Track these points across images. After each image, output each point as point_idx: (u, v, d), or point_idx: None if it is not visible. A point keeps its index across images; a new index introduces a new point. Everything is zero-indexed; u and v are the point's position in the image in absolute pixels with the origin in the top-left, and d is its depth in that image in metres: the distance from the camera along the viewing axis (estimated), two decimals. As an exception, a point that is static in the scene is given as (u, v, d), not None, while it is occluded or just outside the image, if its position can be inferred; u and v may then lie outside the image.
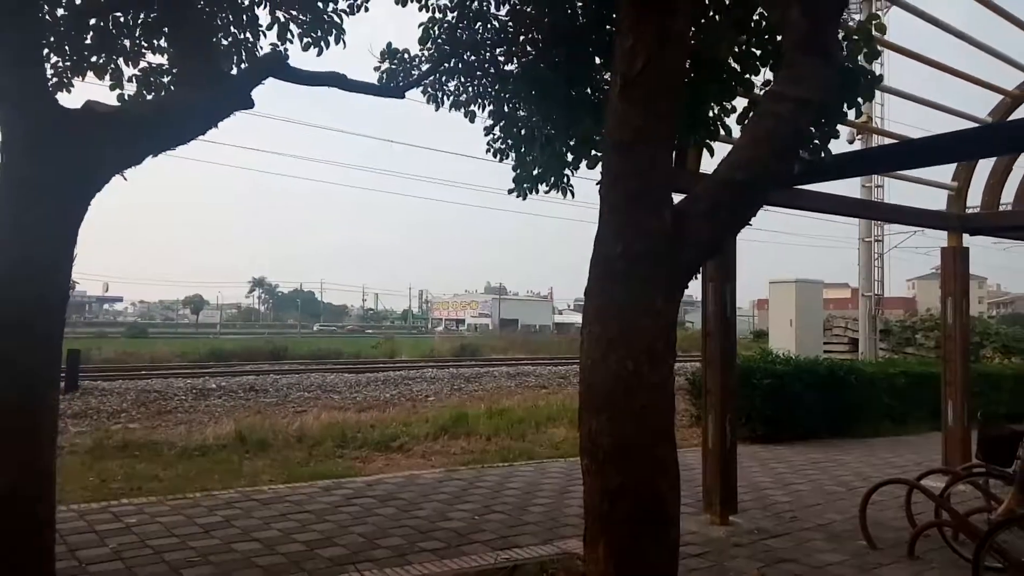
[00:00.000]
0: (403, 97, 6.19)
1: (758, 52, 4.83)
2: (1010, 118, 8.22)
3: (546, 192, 6.09)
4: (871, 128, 14.49)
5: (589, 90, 5.61)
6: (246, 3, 5.65)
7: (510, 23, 5.90)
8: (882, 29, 4.98)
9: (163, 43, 5.61)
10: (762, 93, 4.76)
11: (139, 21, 5.52)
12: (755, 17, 4.79)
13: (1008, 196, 9.13)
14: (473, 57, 6.11)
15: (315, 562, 5.22)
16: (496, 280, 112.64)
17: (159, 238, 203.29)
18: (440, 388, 18.39)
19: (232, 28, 5.66)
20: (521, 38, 5.89)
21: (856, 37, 4.79)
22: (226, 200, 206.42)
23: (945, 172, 9.04)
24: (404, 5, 5.94)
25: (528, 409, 13.34)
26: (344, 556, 5.35)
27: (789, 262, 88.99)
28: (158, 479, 8.02)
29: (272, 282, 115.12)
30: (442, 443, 10.58)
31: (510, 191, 6.16)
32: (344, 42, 5.83)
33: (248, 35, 5.76)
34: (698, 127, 5.24)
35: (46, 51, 5.03)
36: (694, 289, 6.05)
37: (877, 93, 17.88)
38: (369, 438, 10.38)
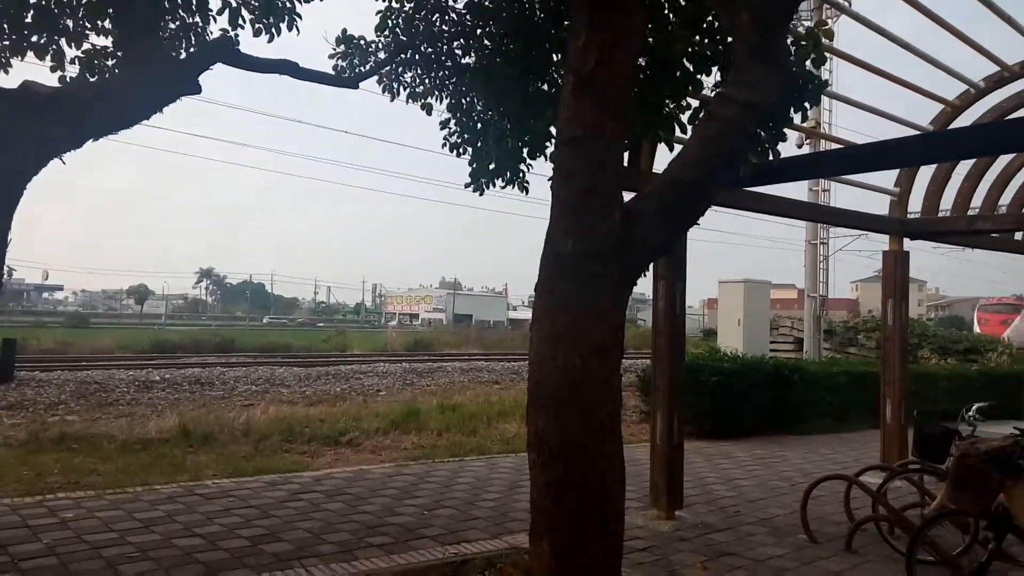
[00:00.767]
0: (357, 87, 6.12)
1: (710, 53, 4.90)
2: (950, 127, 8.50)
3: (503, 188, 6.09)
4: (819, 133, 14.86)
5: (545, 85, 5.63)
6: (196, -14, 5.52)
7: (468, 16, 5.88)
8: (830, 36, 5.10)
9: (108, 24, 5.43)
10: (712, 95, 4.83)
11: (83, 1, 5.34)
12: (708, 18, 4.86)
13: (947, 203, 9.47)
14: (430, 49, 6.07)
15: (259, 558, 5.14)
16: (451, 275, 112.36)
17: (103, 225, 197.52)
18: (392, 383, 18.25)
19: (180, 11, 5.52)
20: (479, 31, 5.88)
21: (804, 43, 4.90)
22: (174, 188, 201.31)
23: (888, 178, 9.33)
24: (361, -7, 5.86)
25: (480, 404, 13.33)
26: (289, 552, 5.28)
27: (739, 263, 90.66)
28: (97, 473, 7.79)
29: (220, 273, 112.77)
30: (392, 438, 10.51)
31: (466, 186, 6.15)
32: (298, 28, 5.73)
33: (198, 19, 5.62)
34: (651, 125, 5.29)
35: (-17, 28, 4.84)
36: (647, 287, 6.15)
37: (825, 100, 18.30)
38: (318, 433, 10.25)
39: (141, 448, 9.15)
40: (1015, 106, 8.30)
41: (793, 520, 6.33)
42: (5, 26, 5.13)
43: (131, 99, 4.30)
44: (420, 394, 15.87)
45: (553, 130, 5.30)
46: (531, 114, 5.51)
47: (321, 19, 6.12)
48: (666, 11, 4.88)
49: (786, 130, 5.34)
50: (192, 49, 5.57)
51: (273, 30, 5.62)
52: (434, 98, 6.27)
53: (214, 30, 5.65)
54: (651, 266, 6.05)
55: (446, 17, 5.97)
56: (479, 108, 6.08)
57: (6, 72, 5.39)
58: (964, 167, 9.21)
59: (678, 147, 3.71)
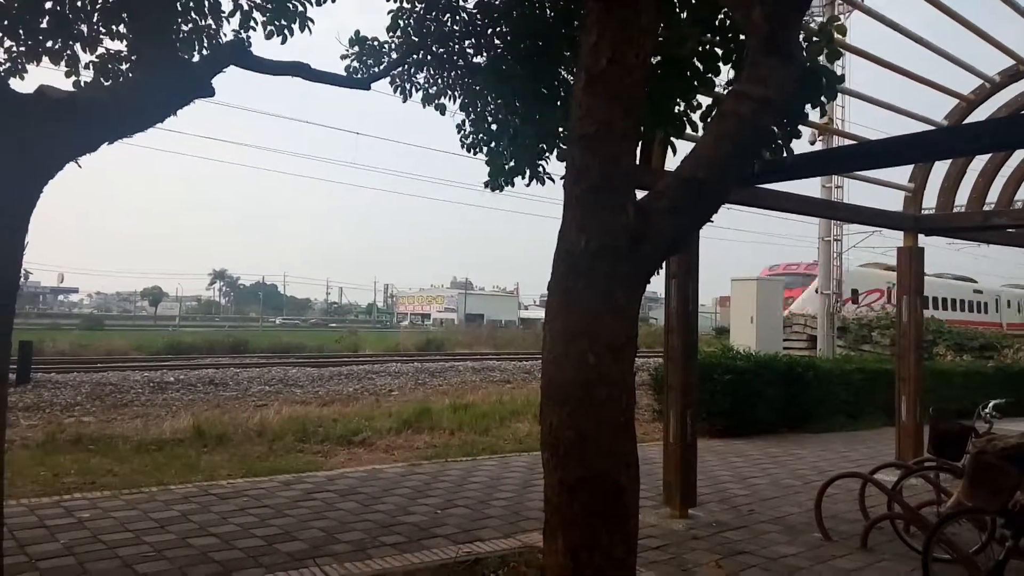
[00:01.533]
0: (369, 88, 6.13)
1: (721, 51, 4.88)
2: (965, 121, 8.43)
3: (526, 185, 6.09)
4: (832, 130, 14.75)
5: (557, 83, 5.62)
6: (208, -11, 5.54)
7: (478, 16, 5.89)
8: (842, 31, 5.06)
9: (122, 29, 5.47)
10: (725, 92, 4.81)
11: (97, 5, 5.38)
12: (720, 16, 4.84)
13: (962, 198, 9.39)
14: (442, 49, 6.08)
15: (274, 557, 5.16)
16: (462, 275, 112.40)
17: (118, 228, 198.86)
18: (404, 382, 18.29)
19: (193, 14, 5.55)
20: (489, 31, 5.88)
21: (817, 39, 4.87)
22: (189, 191, 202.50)
23: (902, 174, 9.26)
24: (372, -6, 5.88)
25: (492, 404, 13.35)
26: (304, 551, 5.31)
27: (752, 260, 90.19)
28: (113, 473, 7.86)
29: (233, 274, 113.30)
30: (405, 437, 10.54)
31: (485, 184, 6.15)
32: (310, 30, 5.75)
33: (210, 21, 5.65)
34: (663, 123, 5.28)
35: (-1, 34, 4.88)
36: (659, 285, 6.13)
37: (839, 95, 18.16)
38: (331, 432, 10.29)
39: (156, 449, 9.23)
40: (1031, 100, 8.23)
41: (807, 518, 6.30)
42: (20, 32, 5.18)
43: (145, 103, 4.31)
44: (432, 394, 15.91)
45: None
46: (543, 112, 5.51)
47: (332, 20, 6.13)
48: (678, 9, 4.86)
49: (799, 127, 5.31)
50: (205, 52, 5.60)
51: (285, 31, 5.65)
52: (447, 99, 6.28)
53: (227, 32, 5.68)
54: (664, 264, 6.05)
55: (456, 17, 5.97)
56: (492, 108, 6.09)
57: (21, 78, 5.43)
58: (979, 162, 9.13)
59: (689, 145, 3.69)
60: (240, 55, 4.94)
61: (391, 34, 6.06)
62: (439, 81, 6.25)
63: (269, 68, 5.25)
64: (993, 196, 9.41)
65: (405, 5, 5.94)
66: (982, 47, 7.44)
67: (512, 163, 5.95)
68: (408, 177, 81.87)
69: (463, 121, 6.18)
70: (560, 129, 5.53)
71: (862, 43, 7.30)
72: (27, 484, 7.17)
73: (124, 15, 5.23)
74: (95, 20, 5.41)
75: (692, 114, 5.31)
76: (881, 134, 7.08)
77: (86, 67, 5.54)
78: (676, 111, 5.26)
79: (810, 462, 9.47)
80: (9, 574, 4.59)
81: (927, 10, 6.68)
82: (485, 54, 5.97)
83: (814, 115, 5.37)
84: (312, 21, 5.77)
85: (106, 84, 5.55)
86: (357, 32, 6.18)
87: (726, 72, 4.92)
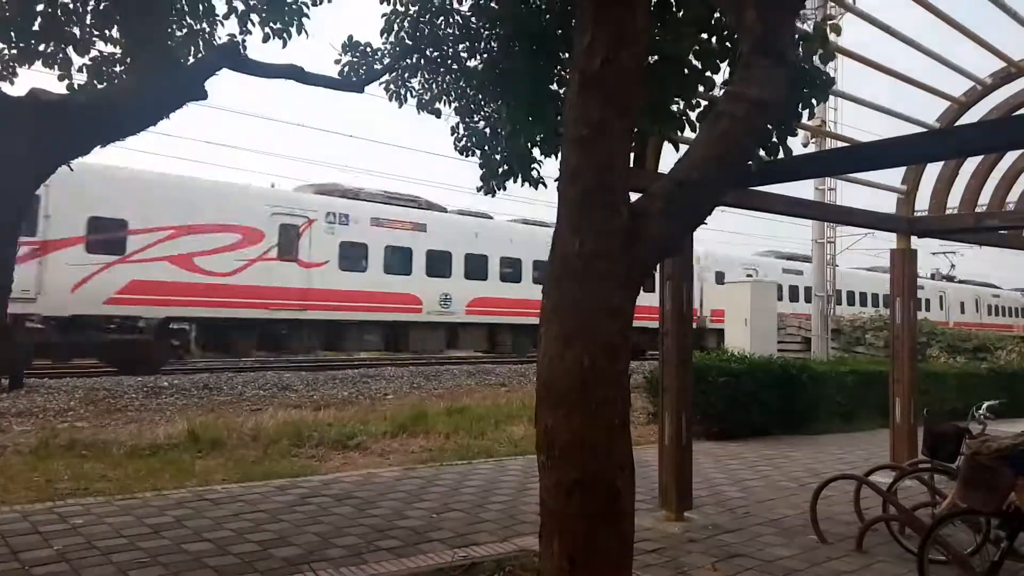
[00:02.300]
0: (362, 91, 6.14)
1: (717, 50, 4.89)
2: (957, 123, 8.47)
3: (521, 187, 6.09)
4: (825, 132, 14.81)
5: (552, 85, 5.63)
6: (201, -9, 5.54)
7: (472, 18, 5.89)
8: (837, 30, 5.08)
9: (115, 32, 5.46)
10: (720, 93, 4.82)
11: (90, 8, 5.37)
12: (716, 15, 4.85)
13: (954, 200, 9.42)
14: (436, 52, 6.09)
15: (269, 562, 5.14)
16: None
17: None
18: (399, 386, 18.24)
19: (187, 18, 5.54)
20: (484, 33, 5.88)
21: (810, 39, 4.89)
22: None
23: (895, 176, 9.29)
24: (366, -3, 5.89)
25: (488, 407, 13.32)
26: (299, 556, 5.28)
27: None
28: (106, 479, 7.81)
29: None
30: (400, 441, 10.51)
31: (478, 188, 6.15)
32: (307, 32, 5.74)
33: (204, 25, 5.64)
34: (661, 121, 5.27)
35: (-9, 37, 4.87)
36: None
37: (831, 98, 18.24)
38: (326, 436, 10.25)
39: (150, 453, 9.17)
40: (1022, 102, 8.27)
41: (803, 520, 6.30)
42: (12, 35, 5.16)
43: (138, 106, 4.32)
44: (427, 397, 15.87)
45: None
46: (538, 114, 5.51)
47: (327, 24, 6.13)
48: (673, 9, 4.87)
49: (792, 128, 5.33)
50: (199, 55, 5.59)
51: (284, 34, 5.64)
52: (442, 103, 6.28)
53: (221, 35, 5.67)
54: (658, 266, 6.06)
55: (450, 20, 5.98)
56: (487, 111, 6.09)
57: (11, 83, 5.42)
58: (972, 164, 9.16)
59: (685, 147, 3.70)
60: (233, 58, 4.95)
61: (385, 37, 6.06)
62: (433, 86, 6.26)
63: (263, 71, 5.26)
64: (986, 197, 9.45)
65: (399, 8, 5.94)
66: (974, 50, 7.48)
67: (506, 166, 5.95)
68: (405, 180, 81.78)
69: (457, 124, 6.18)
70: (557, 131, 5.54)
71: (854, 46, 7.34)
72: (20, 490, 7.12)
73: (117, 18, 5.22)
74: (88, 23, 5.40)
75: (690, 112, 5.32)
76: (874, 136, 7.11)
77: (79, 70, 5.53)
78: (674, 109, 5.27)
79: (805, 464, 9.48)
80: (1, 580, 4.56)
81: (919, 13, 6.71)
82: (479, 57, 5.97)
83: (805, 117, 5.39)
84: (307, 17, 5.74)
85: (99, 87, 5.54)
86: (350, 37, 6.18)
87: (725, 71, 4.93)
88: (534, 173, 5.99)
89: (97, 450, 9.21)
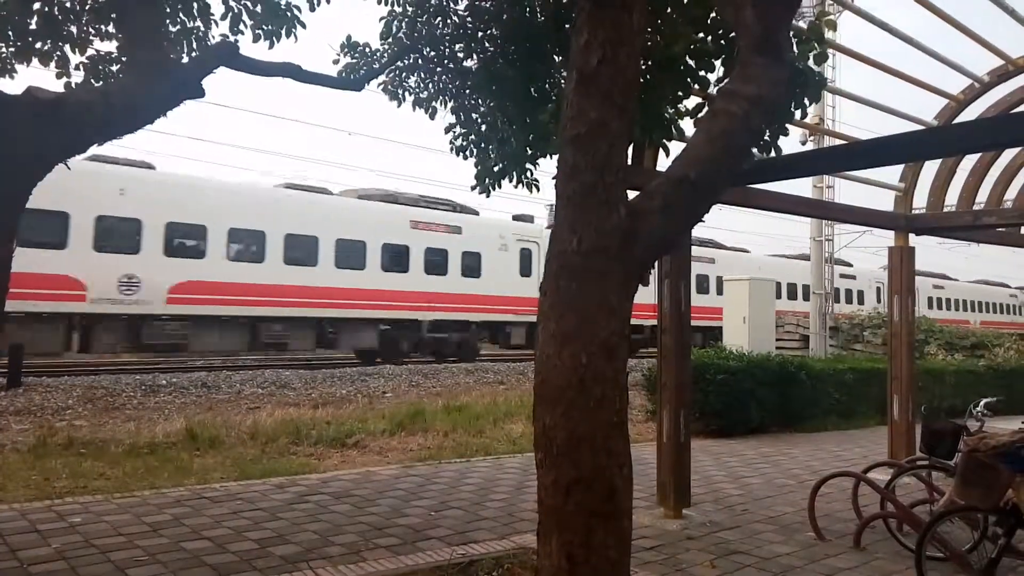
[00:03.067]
0: (361, 90, 6.13)
1: (711, 49, 4.89)
2: (955, 121, 8.47)
3: (515, 187, 6.10)
4: (823, 130, 14.82)
5: (548, 85, 5.63)
6: (197, -10, 5.53)
7: (469, 19, 5.89)
8: (832, 26, 5.08)
9: (112, 29, 5.46)
10: (716, 91, 4.82)
11: (86, 6, 5.36)
12: (711, 15, 4.85)
13: (952, 198, 9.44)
14: (432, 52, 6.08)
15: (267, 560, 5.14)
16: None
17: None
18: (397, 384, 18.23)
19: (182, 15, 5.54)
20: (480, 34, 5.88)
21: (806, 37, 4.89)
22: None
23: (893, 174, 9.30)
24: (364, -2, 5.88)
25: (486, 405, 13.32)
26: (297, 554, 5.28)
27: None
28: (105, 477, 7.81)
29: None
30: (399, 439, 10.51)
31: (473, 188, 6.15)
32: (296, 36, 5.73)
33: (199, 24, 5.64)
34: (654, 125, 5.29)
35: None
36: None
37: (828, 96, 18.23)
38: (324, 435, 10.25)
39: (148, 452, 9.17)
40: (1020, 100, 8.27)
41: (801, 518, 6.31)
42: (10, 33, 5.16)
43: (135, 104, 4.30)
44: (426, 395, 15.87)
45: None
46: (535, 114, 5.52)
47: (324, 22, 6.12)
48: (668, 9, 4.87)
49: (791, 127, 5.34)
50: (194, 53, 5.58)
51: (273, 37, 5.63)
52: (438, 102, 6.28)
53: (215, 35, 5.67)
54: (656, 265, 6.06)
55: (447, 20, 5.98)
56: (483, 110, 6.08)
57: (11, 78, 5.41)
58: (969, 162, 9.17)
59: (681, 145, 3.70)
60: (230, 56, 4.94)
61: (383, 41, 6.06)
62: (430, 85, 6.25)
63: (260, 69, 5.25)
64: (983, 195, 9.46)
65: (396, 9, 5.94)
66: (972, 47, 7.49)
67: (500, 166, 5.95)
68: (400, 178, 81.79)
69: (452, 124, 6.17)
70: (553, 131, 5.54)
71: (852, 43, 7.36)
72: (18, 488, 7.12)
73: (113, 16, 5.22)
74: (84, 21, 5.40)
75: (680, 120, 5.33)
76: (871, 134, 7.11)
77: (76, 68, 5.53)
78: (667, 114, 5.28)
79: (803, 461, 9.49)
80: (-1, 579, 4.57)
81: (917, 11, 6.71)
82: (476, 57, 5.97)
83: (798, 114, 5.39)
84: (303, 25, 5.74)
85: (96, 85, 5.53)
86: (348, 37, 6.18)
87: (720, 70, 4.94)
88: (528, 173, 5.99)
89: (95, 448, 9.21)
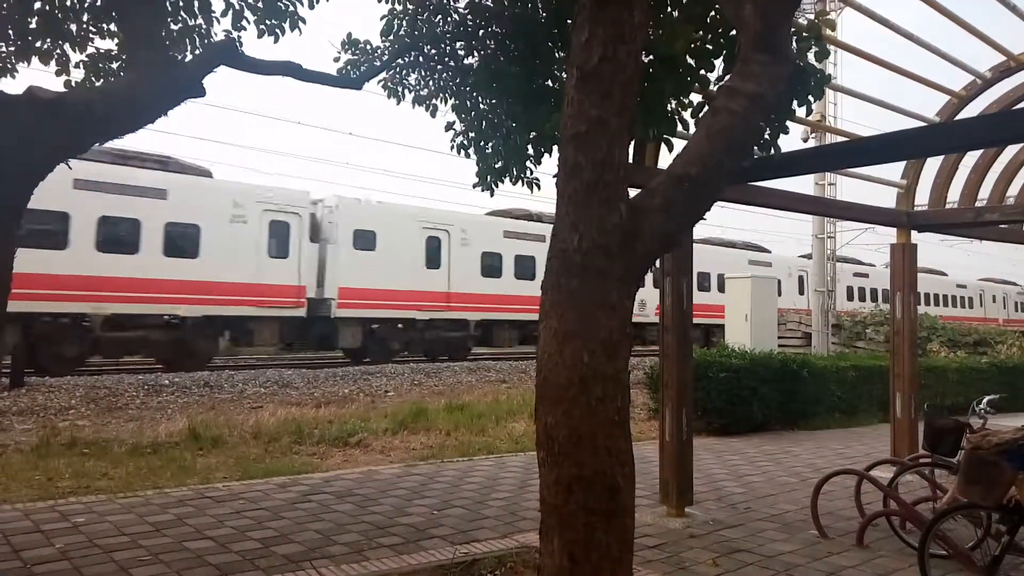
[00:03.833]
0: (360, 88, 6.12)
1: (712, 47, 4.88)
2: (957, 118, 8.45)
3: (513, 185, 6.09)
4: (824, 127, 14.80)
5: (549, 83, 5.62)
6: (198, -12, 5.53)
7: (470, 17, 5.88)
8: (831, 26, 5.08)
9: (112, 28, 5.46)
10: (716, 89, 4.81)
11: (87, 5, 5.36)
12: (711, 12, 4.84)
13: (954, 194, 9.41)
14: (433, 50, 6.08)
15: (270, 559, 5.14)
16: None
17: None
18: (400, 383, 18.24)
19: (183, 14, 5.54)
20: (480, 32, 5.87)
21: (806, 35, 4.88)
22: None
23: (895, 170, 9.28)
24: (363, -6, 5.88)
25: (488, 404, 13.33)
26: (300, 553, 5.29)
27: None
28: (108, 477, 7.82)
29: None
30: (401, 438, 10.51)
31: (474, 185, 6.15)
32: (300, 29, 5.74)
33: (201, 21, 5.63)
34: (655, 122, 5.28)
35: (-12, 35, 4.86)
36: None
37: (830, 93, 18.21)
38: (327, 434, 10.26)
39: (151, 451, 9.19)
40: (1022, 96, 8.25)
41: (804, 516, 6.30)
42: (10, 31, 5.16)
43: (136, 103, 4.30)
44: (428, 394, 15.88)
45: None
46: (534, 112, 5.51)
47: (323, 19, 6.12)
48: (668, 6, 4.87)
49: (792, 124, 5.33)
50: (196, 52, 5.58)
51: (277, 31, 5.63)
52: (439, 100, 6.27)
53: (217, 32, 5.67)
54: (658, 263, 6.06)
55: (448, 18, 5.97)
56: (483, 108, 6.08)
57: (12, 77, 5.41)
58: (971, 158, 9.15)
59: (682, 143, 3.69)
60: (231, 55, 4.94)
61: (384, 39, 6.05)
62: (430, 83, 6.25)
63: (260, 68, 5.24)
64: (985, 192, 9.44)
65: (397, 7, 5.94)
66: (973, 43, 7.47)
67: (501, 163, 5.95)
68: (399, 177, 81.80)
69: (453, 122, 6.17)
70: (554, 129, 5.54)
71: (854, 40, 7.34)
72: (21, 488, 7.13)
73: (113, 14, 5.21)
74: (85, 19, 5.40)
75: (684, 112, 5.32)
76: (873, 131, 7.10)
77: (76, 66, 5.53)
78: (668, 109, 5.27)
79: (806, 459, 9.48)
80: (3, 579, 4.57)
81: (918, 7, 6.70)
82: (477, 55, 5.96)
83: (802, 112, 5.38)
84: (303, 21, 5.75)
85: (97, 84, 5.53)
86: (349, 35, 6.17)
87: (720, 68, 4.93)
88: (528, 171, 5.98)
89: (98, 448, 9.22)
